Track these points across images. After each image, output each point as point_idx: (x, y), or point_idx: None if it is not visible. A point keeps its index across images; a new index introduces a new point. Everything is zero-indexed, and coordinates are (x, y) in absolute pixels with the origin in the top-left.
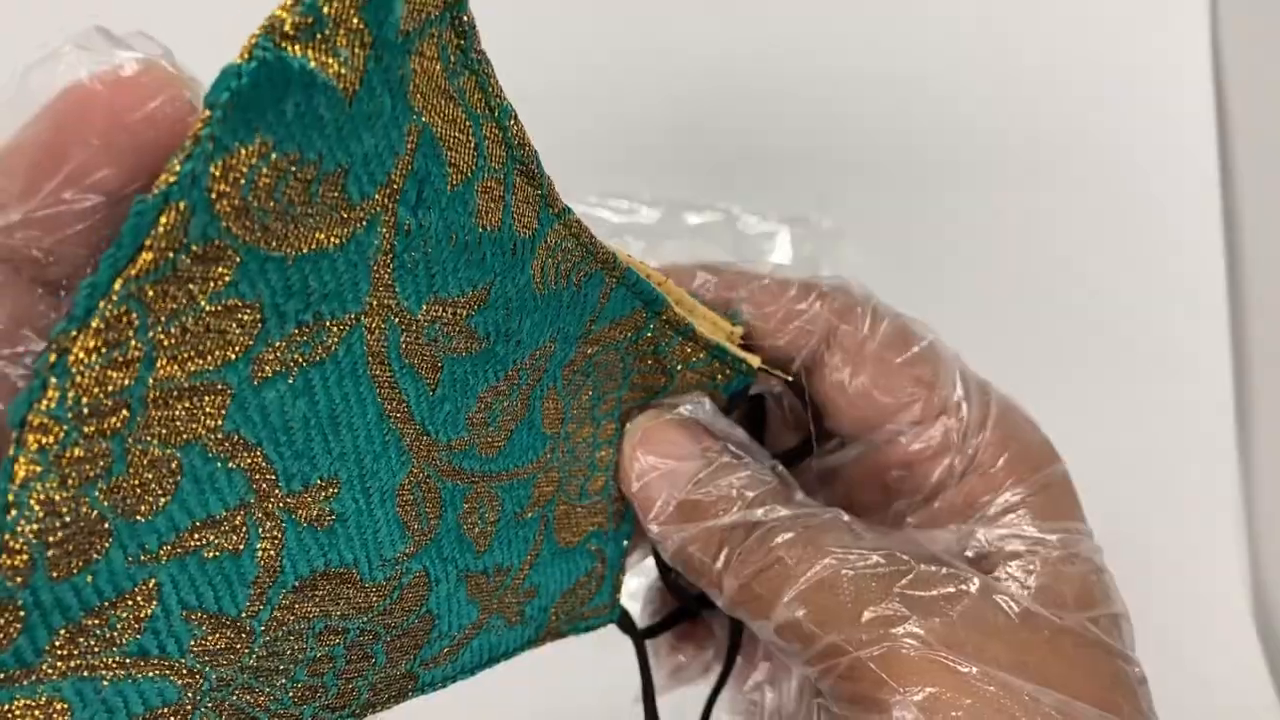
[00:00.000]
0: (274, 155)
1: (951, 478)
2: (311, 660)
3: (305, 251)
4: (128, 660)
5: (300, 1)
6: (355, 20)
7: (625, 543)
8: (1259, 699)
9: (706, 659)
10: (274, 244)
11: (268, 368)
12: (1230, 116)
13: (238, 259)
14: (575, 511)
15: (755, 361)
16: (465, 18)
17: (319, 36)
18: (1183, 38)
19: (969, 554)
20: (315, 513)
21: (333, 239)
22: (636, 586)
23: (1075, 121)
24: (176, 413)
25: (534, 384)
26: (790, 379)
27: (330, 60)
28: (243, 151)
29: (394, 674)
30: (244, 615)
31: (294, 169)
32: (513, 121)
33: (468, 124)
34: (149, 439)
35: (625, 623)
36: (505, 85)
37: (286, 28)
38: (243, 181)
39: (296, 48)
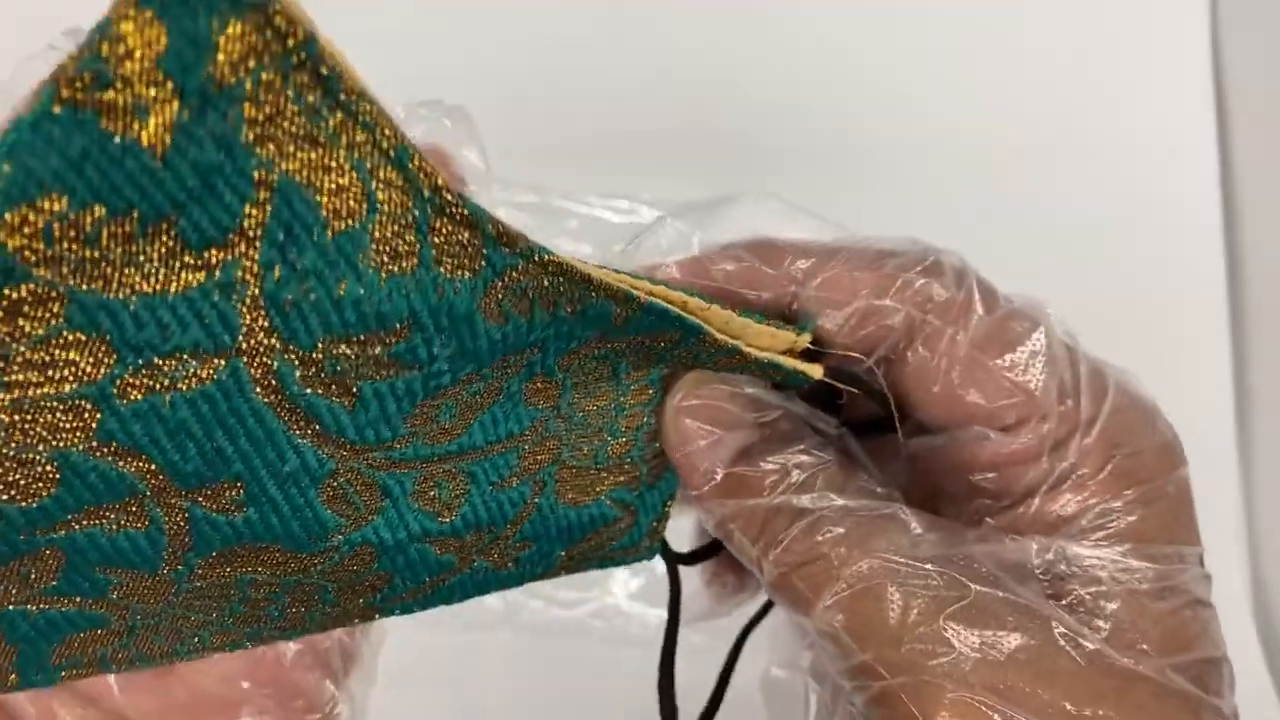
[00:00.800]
0: (72, 212)
1: (1042, 485)
2: (248, 600)
3: (149, 293)
4: (50, 598)
5: (85, 53)
6: (154, 73)
7: (670, 493)
8: (1259, 699)
9: (744, 596)
10: (106, 287)
11: (134, 392)
12: (1230, 116)
13: (65, 299)
14: (588, 473)
15: (816, 373)
16: (316, 59)
17: (112, 89)
18: (1183, 38)
19: (1044, 575)
20: (223, 504)
21: (180, 283)
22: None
23: (1075, 122)
24: (37, 426)
25: (508, 378)
26: (856, 390)
27: (125, 114)
28: (29, 209)
29: (351, 607)
30: (162, 571)
31: (103, 222)
32: (416, 163)
33: (347, 168)
34: (12, 446)
35: (662, 548)
36: (506, 87)
37: (73, 78)
38: (42, 234)
39: (84, 100)
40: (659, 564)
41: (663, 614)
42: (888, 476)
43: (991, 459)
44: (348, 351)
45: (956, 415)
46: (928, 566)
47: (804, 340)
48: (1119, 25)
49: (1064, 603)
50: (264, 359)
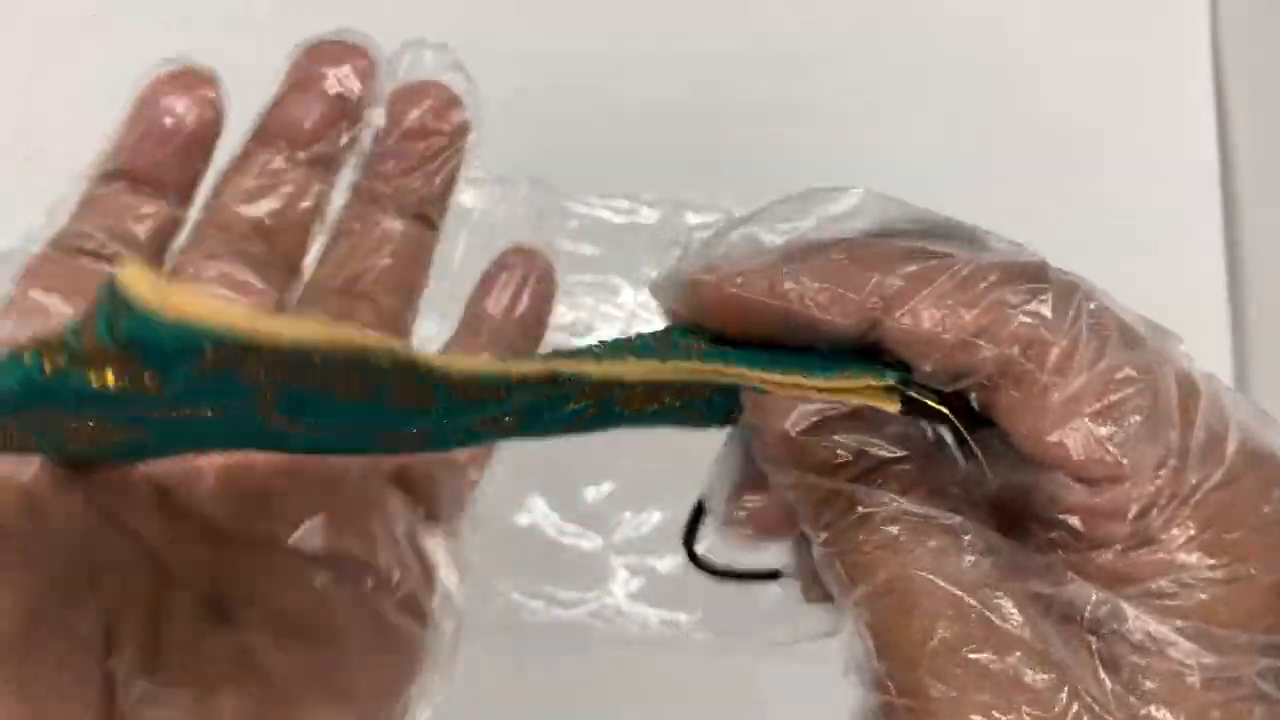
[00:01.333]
0: (87, 416)
1: (1120, 543)
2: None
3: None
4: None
5: (59, 341)
6: (125, 362)
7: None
8: None
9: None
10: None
11: (175, 415)
12: (1230, 116)
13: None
14: (654, 391)
15: (894, 408)
16: (297, 351)
17: (92, 369)
18: (1183, 38)
19: (1093, 630)
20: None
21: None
22: None
23: (1074, 122)
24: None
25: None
26: (929, 418)
27: (109, 379)
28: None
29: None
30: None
31: (110, 421)
32: (405, 360)
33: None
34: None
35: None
36: (507, 86)
37: (56, 354)
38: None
39: (68, 367)
40: (660, 564)
41: (663, 614)
42: (987, 471)
43: (1073, 504)
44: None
45: (1042, 458)
46: (967, 598)
47: (886, 382)
48: (1118, 26)
49: (1106, 665)
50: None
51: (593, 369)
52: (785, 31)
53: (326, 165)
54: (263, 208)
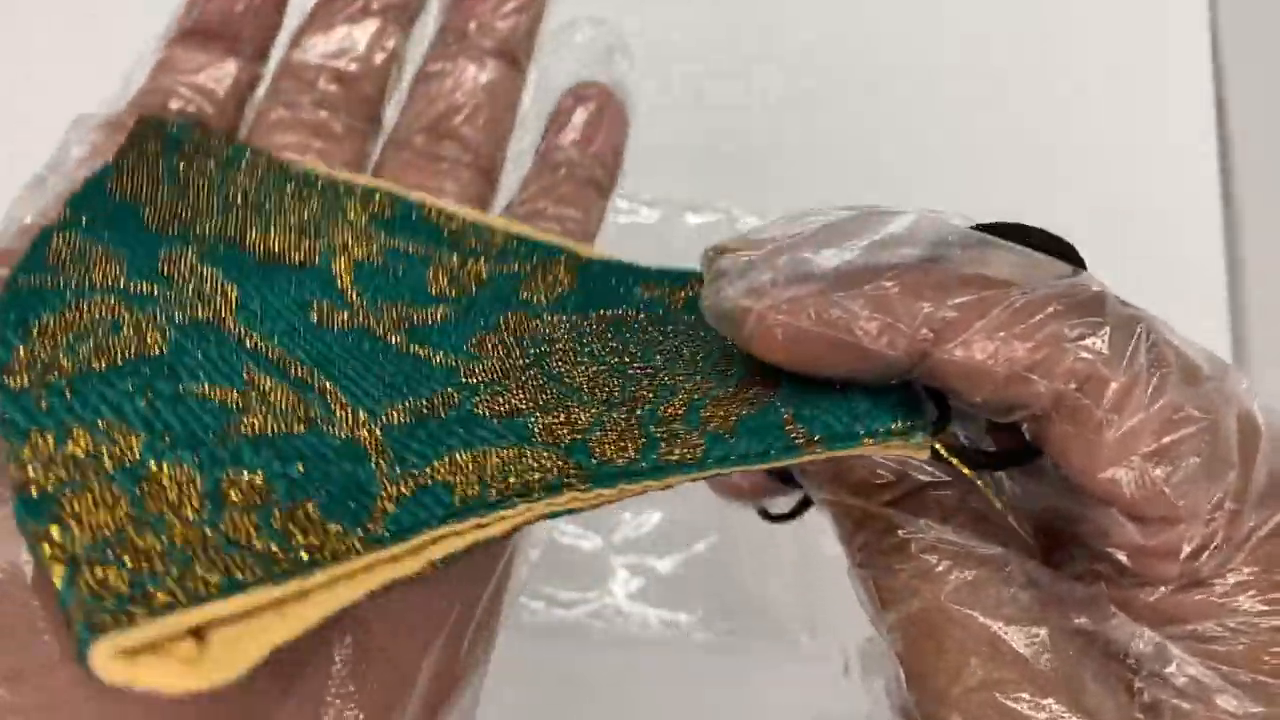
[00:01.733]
0: None
1: (1169, 584)
2: None
3: None
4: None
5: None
6: None
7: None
8: None
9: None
10: None
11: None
12: (1230, 116)
13: None
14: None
15: (923, 454)
16: None
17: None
18: (1183, 38)
19: (1135, 669)
20: None
21: None
22: None
23: (1075, 122)
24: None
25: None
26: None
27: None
28: None
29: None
30: None
31: None
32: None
33: None
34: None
35: None
36: None
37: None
38: None
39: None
40: (660, 564)
41: (663, 614)
42: (1035, 492)
43: (1122, 543)
44: None
45: (1094, 493)
46: (1002, 636)
47: (919, 443)
48: (1118, 26)
49: (1146, 709)
50: None
51: (612, 494)
52: (788, 32)
53: (401, 13)
54: (340, 57)
